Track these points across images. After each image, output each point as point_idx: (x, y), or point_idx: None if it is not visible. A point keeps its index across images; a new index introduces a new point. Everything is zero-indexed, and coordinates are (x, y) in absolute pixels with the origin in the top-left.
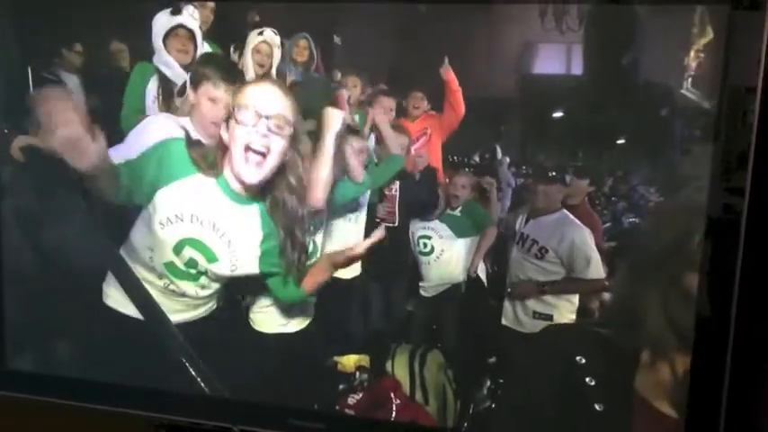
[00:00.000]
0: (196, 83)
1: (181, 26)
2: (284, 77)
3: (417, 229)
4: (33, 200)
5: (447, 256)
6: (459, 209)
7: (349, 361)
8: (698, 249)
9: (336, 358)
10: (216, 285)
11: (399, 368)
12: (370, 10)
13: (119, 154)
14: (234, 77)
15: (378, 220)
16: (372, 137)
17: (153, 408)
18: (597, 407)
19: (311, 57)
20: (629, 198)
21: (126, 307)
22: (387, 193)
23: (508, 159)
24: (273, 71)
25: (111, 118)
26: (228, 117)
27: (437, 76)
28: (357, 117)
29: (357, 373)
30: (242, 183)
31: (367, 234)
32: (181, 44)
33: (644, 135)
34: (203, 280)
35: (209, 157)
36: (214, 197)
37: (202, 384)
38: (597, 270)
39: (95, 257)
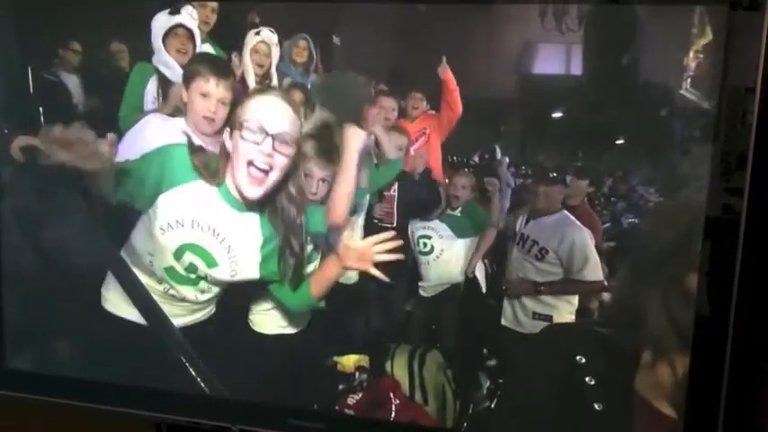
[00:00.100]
0: (188, 81)
1: (180, 26)
2: (288, 85)
3: (417, 228)
4: (33, 200)
5: (447, 256)
6: (460, 209)
7: (348, 361)
8: (697, 249)
9: (336, 358)
10: (216, 290)
11: (399, 368)
12: (370, 10)
13: (119, 153)
14: (224, 72)
15: (375, 221)
16: (372, 138)
17: (153, 408)
18: (597, 407)
19: (311, 57)
20: (628, 198)
21: (125, 311)
22: (385, 193)
23: (508, 160)
24: (273, 71)
25: (111, 118)
26: (232, 127)
27: (436, 77)
28: None
29: (356, 374)
30: (242, 197)
31: (367, 234)
32: (180, 44)
33: (643, 135)
34: (203, 284)
35: (212, 165)
36: (215, 204)
37: (202, 384)
38: (596, 272)
39: (95, 258)
